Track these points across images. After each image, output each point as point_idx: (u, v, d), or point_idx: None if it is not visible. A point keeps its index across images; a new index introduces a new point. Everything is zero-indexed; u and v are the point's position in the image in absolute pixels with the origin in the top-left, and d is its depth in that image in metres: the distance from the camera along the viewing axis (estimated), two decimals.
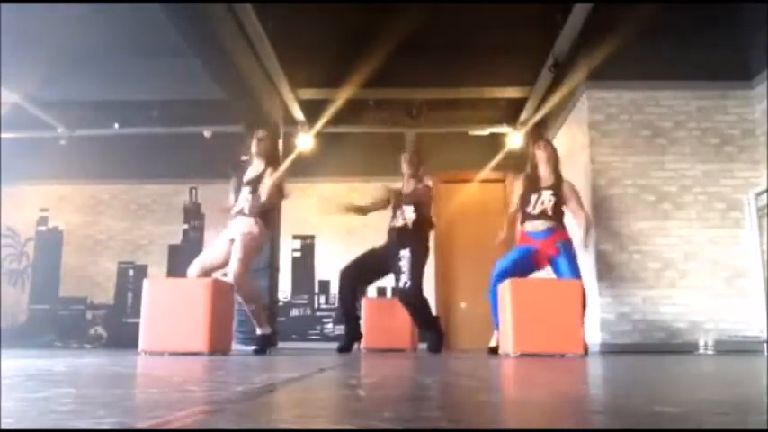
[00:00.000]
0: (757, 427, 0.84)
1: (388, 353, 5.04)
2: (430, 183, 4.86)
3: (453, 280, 7.26)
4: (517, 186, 4.65)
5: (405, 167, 4.94)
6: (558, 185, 4.45)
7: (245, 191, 4.40)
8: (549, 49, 5.32)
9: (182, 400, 1.14)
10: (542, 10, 4.97)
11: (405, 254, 4.62)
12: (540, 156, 4.53)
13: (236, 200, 4.43)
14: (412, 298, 4.59)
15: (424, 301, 4.69)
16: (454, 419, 0.90)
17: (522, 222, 4.46)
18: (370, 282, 5.23)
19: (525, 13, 5.11)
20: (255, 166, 4.50)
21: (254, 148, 4.50)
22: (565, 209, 4.47)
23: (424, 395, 1.33)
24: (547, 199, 4.38)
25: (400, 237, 4.71)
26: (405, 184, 4.94)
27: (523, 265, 4.34)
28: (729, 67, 5.30)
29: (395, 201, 4.88)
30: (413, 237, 4.72)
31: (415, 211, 4.76)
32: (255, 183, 4.41)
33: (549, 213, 4.35)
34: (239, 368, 2.36)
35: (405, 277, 4.57)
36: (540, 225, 4.35)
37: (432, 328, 4.73)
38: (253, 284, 4.44)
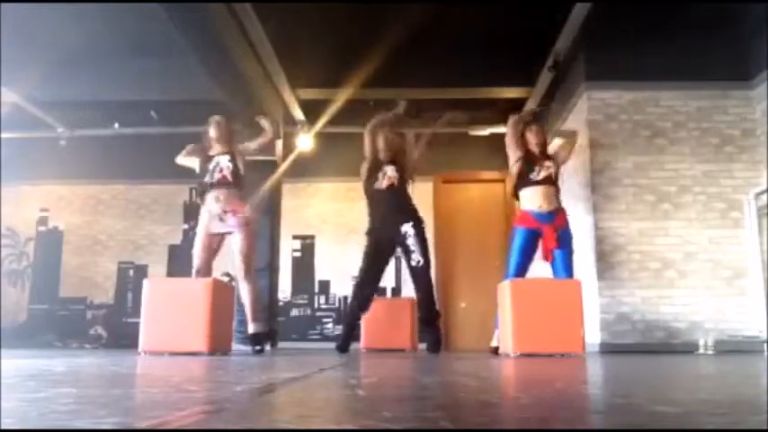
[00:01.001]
0: (757, 427, 0.84)
1: (388, 353, 5.04)
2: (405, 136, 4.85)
3: (453, 280, 7.26)
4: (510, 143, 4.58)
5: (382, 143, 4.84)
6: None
7: (224, 159, 4.33)
8: (549, 49, 5.32)
9: (182, 400, 1.14)
10: (542, 10, 4.97)
11: (409, 230, 4.57)
12: (531, 139, 4.53)
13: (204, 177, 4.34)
14: (427, 275, 4.56)
15: (432, 284, 4.64)
16: (454, 419, 0.90)
17: (524, 194, 4.42)
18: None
19: (525, 13, 5.11)
20: (218, 149, 4.44)
21: (212, 133, 4.43)
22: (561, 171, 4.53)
23: (424, 395, 1.33)
24: (548, 165, 4.39)
25: (392, 197, 4.65)
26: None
27: (530, 250, 4.34)
28: (729, 67, 5.30)
29: (371, 164, 4.78)
30: (404, 198, 4.69)
31: (397, 169, 4.71)
32: (233, 157, 4.36)
33: (553, 179, 4.37)
34: (239, 368, 2.36)
35: (416, 256, 4.53)
36: (544, 203, 4.31)
37: (433, 324, 4.70)
38: (256, 282, 4.46)
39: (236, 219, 4.25)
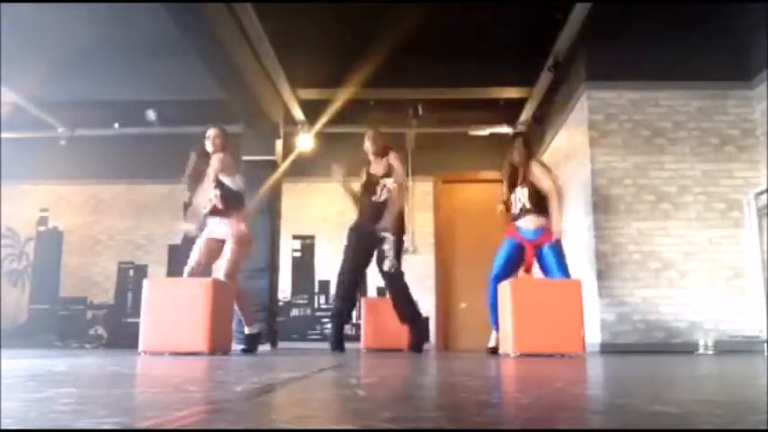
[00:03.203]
0: (757, 427, 0.84)
1: (388, 353, 5.04)
2: (396, 159, 4.78)
3: (453, 280, 7.26)
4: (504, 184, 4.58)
5: (368, 145, 4.83)
6: (528, 174, 4.33)
7: (210, 189, 4.29)
8: (549, 49, 5.32)
9: (182, 401, 1.14)
10: (542, 10, 4.97)
11: (388, 237, 4.61)
12: (511, 153, 4.50)
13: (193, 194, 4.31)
14: (401, 281, 4.60)
15: (408, 287, 4.66)
16: (454, 419, 0.90)
17: (512, 219, 4.42)
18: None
19: (525, 13, 5.11)
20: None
21: (209, 147, 4.32)
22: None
23: (424, 395, 1.33)
24: (522, 195, 4.32)
25: (381, 211, 4.65)
26: (372, 164, 4.84)
27: (515, 260, 4.34)
28: (729, 67, 5.30)
29: (367, 179, 4.78)
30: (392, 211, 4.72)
31: (395, 181, 4.73)
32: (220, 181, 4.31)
33: (528, 206, 4.28)
34: (239, 368, 2.36)
35: (389, 262, 4.57)
36: (529, 223, 4.30)
37: (416, 322, 4.69)
38: (241, 285, 4.47)
39: (231, 229, 4.29)
